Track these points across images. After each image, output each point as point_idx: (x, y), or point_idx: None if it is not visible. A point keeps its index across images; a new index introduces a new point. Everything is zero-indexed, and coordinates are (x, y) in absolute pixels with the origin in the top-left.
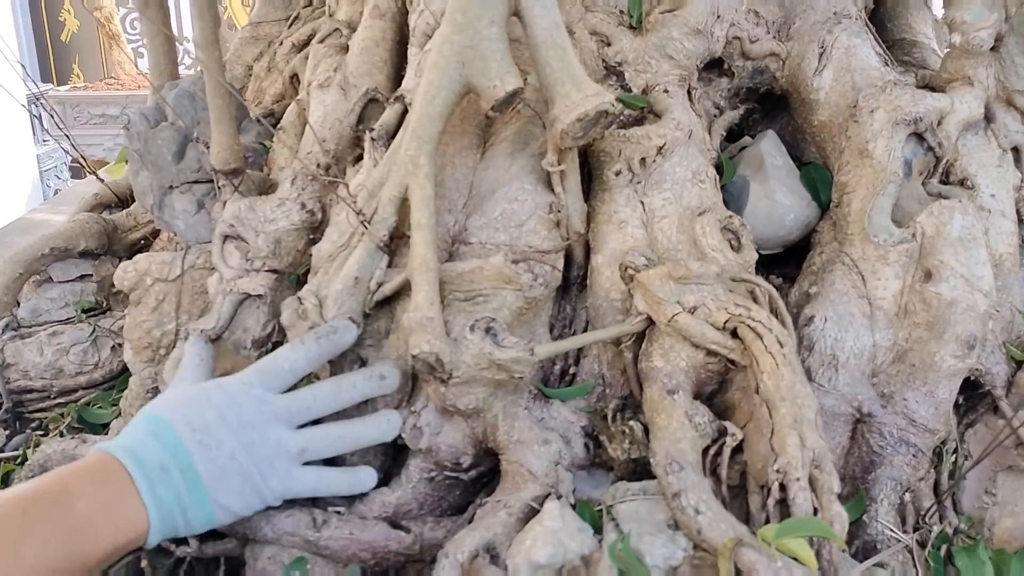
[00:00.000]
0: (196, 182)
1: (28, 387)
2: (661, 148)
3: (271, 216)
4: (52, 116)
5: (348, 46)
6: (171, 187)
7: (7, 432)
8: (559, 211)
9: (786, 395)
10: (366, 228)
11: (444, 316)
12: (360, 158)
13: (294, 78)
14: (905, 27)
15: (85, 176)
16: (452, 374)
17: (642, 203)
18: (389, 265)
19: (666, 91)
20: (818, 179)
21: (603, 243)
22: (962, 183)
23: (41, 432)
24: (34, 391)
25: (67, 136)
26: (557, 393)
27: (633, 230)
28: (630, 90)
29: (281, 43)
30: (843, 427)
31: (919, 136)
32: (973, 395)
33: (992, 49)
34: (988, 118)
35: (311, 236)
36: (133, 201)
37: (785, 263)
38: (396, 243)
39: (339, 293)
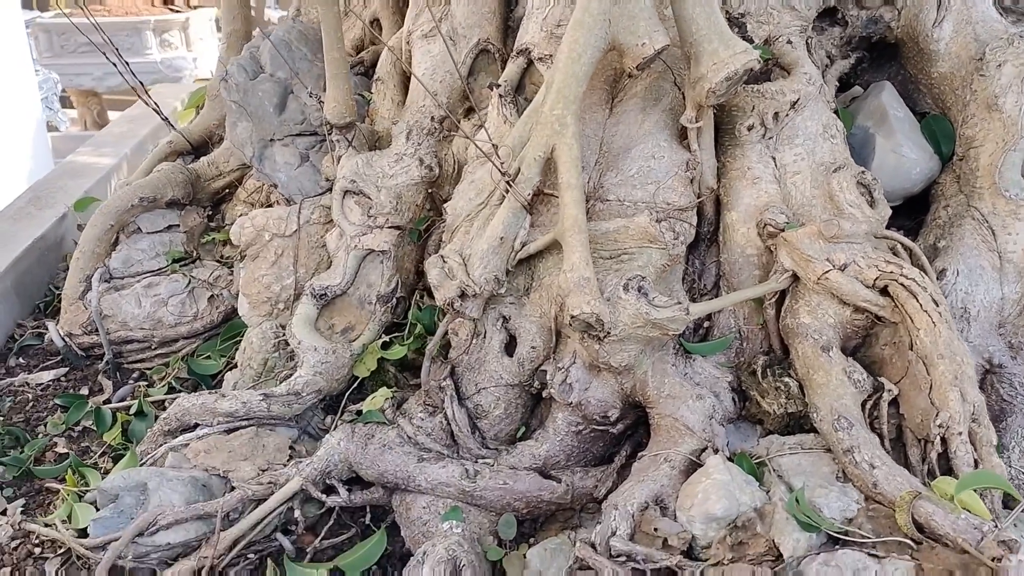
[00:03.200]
0: (299, 135)
1: (128, 338)
2: (795, 103)
3: (390, 172)
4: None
5: None
6: (272, 140)
7: (111, 382)
8: (695, 168)
9: (944, 352)
10: (511, 187)
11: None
12: (470, 111)
13: (375, 23)
14: None
15: (74, 107)
16: (610, 333)
17: (774, 158)
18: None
19: (789, 42)
20: (939, 131)
21: (736, 199)
22: None
23: (146, 383)
24: (134, 341)
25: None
26: (699, 348)
27: (767, 185)
28: (752, 40)
29: None
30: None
31: None
32: None
33: None
34: None
35: (428, 190)
36: (207, 149)
37: (902, 214)
38: (535, 200)
39: (484, 252)
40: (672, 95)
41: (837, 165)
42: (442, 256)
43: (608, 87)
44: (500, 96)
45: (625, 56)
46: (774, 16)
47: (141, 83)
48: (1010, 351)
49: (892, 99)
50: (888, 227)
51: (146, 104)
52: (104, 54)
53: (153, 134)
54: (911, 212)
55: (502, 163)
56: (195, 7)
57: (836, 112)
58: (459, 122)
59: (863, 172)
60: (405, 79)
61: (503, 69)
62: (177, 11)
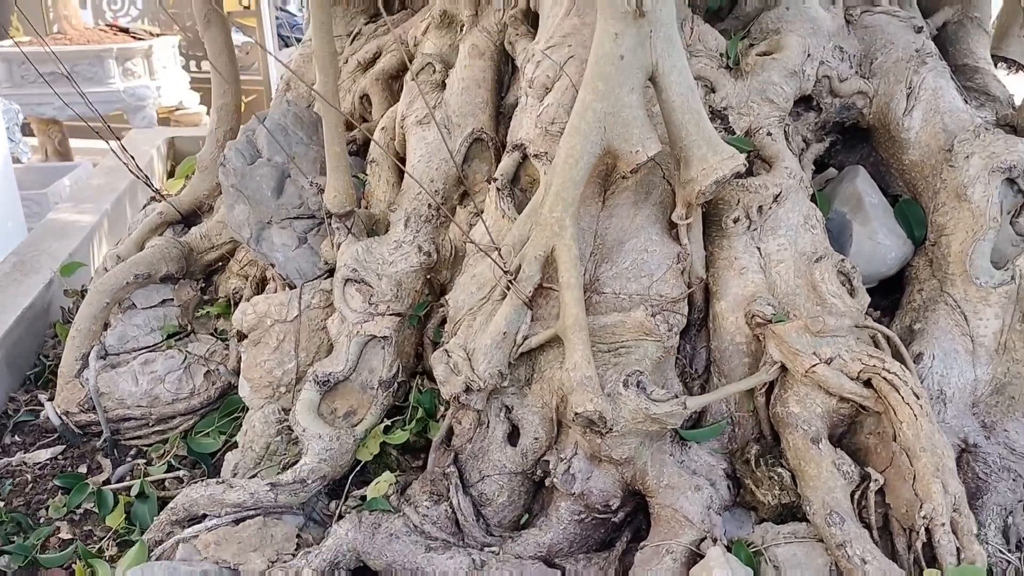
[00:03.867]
0: (297, 218)
1: (126, 416)
2: (777, 196)
3: (389, 259)
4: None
5: (444, 82)
6: (270, 222)
7: (109, 460)
8: (686, 259)
9: (926, 445)
10: (512, 285)
11: None
12: (465, 195)
13: (364, 98)
14: (966, 52)
15: (35, 135)
16: (612, 429)
17: (758, 248)
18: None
19: (769, 134)
20: (912, 216)
21: (725, 289)
22: None
23: (145, 461)
24: (132, 419)
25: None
26: (694, 435)
27: (753, 275)
28: (734, 132)
29: (346, 61)
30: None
31: (1010, 179)
32: None
33: None
34: None
35: (427, 276)
36: (196, 218)
37: (878, 293)
38: (535, 294)
39: (488, 347)
40: (662, 188)
41: (818, 255)
42: (447, 351)
43: (601, 181)
44: (498, 190)
45: (619, 161)
46: (754, 108)
47: (120, 141)
48: (984, 431)
49: (866, 185)
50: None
51: (126, 165)
52: (84, 89)
53: (132, 187)
54: (886, 291)
55: (504, 262)
56: (158, 35)
57: (814, 197)
58: (456, 208)
59: (843, 261)
60: (399, 160)
61: (496, 156)
62: (140, 39)
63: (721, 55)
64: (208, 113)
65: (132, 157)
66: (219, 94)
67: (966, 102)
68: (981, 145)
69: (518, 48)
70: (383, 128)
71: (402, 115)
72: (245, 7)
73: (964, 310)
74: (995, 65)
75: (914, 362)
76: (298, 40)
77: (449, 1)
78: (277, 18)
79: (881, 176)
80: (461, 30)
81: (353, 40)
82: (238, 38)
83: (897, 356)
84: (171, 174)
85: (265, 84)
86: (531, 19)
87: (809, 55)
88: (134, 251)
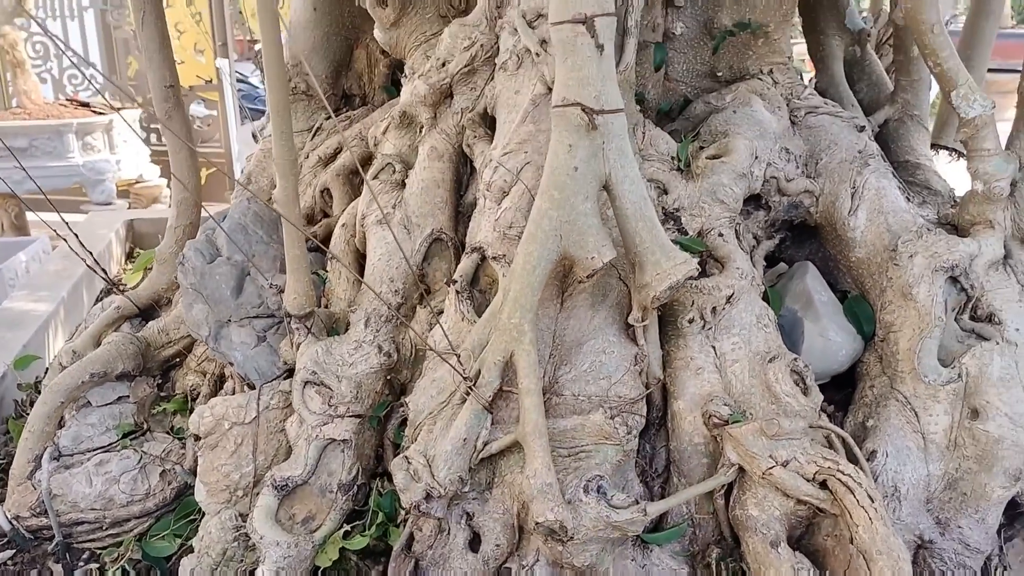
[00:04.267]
0: (256, 316)
1: (79, 519)
2: (730, 297)
3: (349, 360)
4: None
5: (403, 182)
6: (228, 321)
7: (60, 564)
8: (643, 360)
9: (882, 548)
10: (472, 391)
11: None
12: (427, 292)
13: (325, 192)
14: (908, 149)
15: None
16: (573, 537)
17: (713, 348)
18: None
19: (721, 235)
20: (860, 313)
21: (682, 389)
22: (989, 319)
23: (98, 567)
24: (85, 523)
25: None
26: (655, 538)
27: (709, 375)
28: (687, 232)
29: (307, 156)
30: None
31: (952, 278)
32: (1011, 513)
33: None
34: (1006, 255)
35: (387, 376)
36: (154, 311)
37: (830, 387)
38: (495, 398)
39: (448, 454)
40: (618, 289)
41: (772, 354)
42: (407, 457)
43: (559, 282)
44: (457, 292)
45: (576, 266)
46: (705, 209)
47: (76, 236)
48: (938, 527)
49: (816, 282)
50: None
51: (83, 260)
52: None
53: (89, 273)
54: (839, 386)
55: (464, 367)
56: (118, 109)
57: (766, 295)
58: (416, 307)
59: (795, 360)
60: (359, 257)
61: (455, 255)
62: (100, 113)
63: (673, 158)
64: (168, 186)
65: (84, 246)
66: (178, 188)
67: (908, 200)
68: (924, 245)
69: (476, 150)
70: (343, 225)
71: (362, 213)
72: (207, 81)
73: (914, 407)
74: (936, 152)
75: (868, 459)
76: (260, 112)
77: (409, 103)
78: (240, 90)
79: (830, 271)
80: (420, 131)
81: (314, 135)
82: (199, 110)
83: (851, 456)
84: (130, 256)
85: (227, 157)
86: (488, 122)
87: (757, 157)
88: (91, 346)
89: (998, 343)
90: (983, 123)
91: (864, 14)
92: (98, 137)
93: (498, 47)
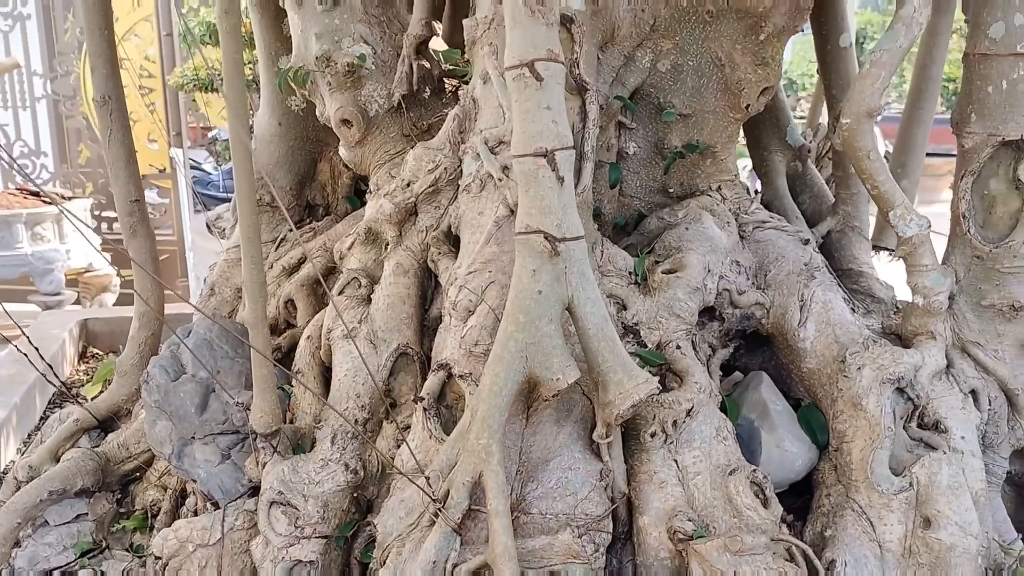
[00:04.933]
0: (221, 433)
1: None
2: (690, 411)
3: (316, 478)
4: None
5: (369, 297)
6: (193, 438)
7: None
8: (608, 476)
9: None
10: (441, 512)
11: None
12: (392, 407)
13: (289, 303)
14: (851, 258)
15: None
16: None
17: (676, 461)
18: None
19: (678, 347)
20: (814, 422)
21: (647, 503)
22: (935, 426)
23: None
24: None
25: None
26: None
27: (672, 488)
28: (646, 345)
29: (271, 266)
30: None
31: (899, 388)
32: None
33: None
34: (948, 364)
35: (354, 494)
36: (114, 423)
37: (789, 493)
38: (464, 517)
39: None
40: (582, 404)
41: (732, 467)
42: None
43: (524, 398)
44: (424, 410)
45: (541, 387)
46: (663, 323)
47: (29, 341)
48: None
49: (770, 392)
50: None
51: (35, 367)
52: None
53: (42, 377)
54: (798, 492)
55: (432, 488)
56: (69, 198)
57: (724, 405)
58: (382, 422)
59: (754, 471)
60: (325, 372)
61: (422, 370)
62: (50, 203)
63: (630, 273)
64: (118, 274)
65: (37, 350)
66: (141, 300)
67: (854, 310)
68: (871, 357)
69: (440, 266)
70: (309, 337)
71: (328, 327)
72: (160, 170)
73: (870, 516)
74: (878, 253)
75: (828, 569)
76: (213, 198)
77: (374, 220)
78: (193, 177)
79: (783, 379)
80: (386, 247)
81: (278, 246)
82: (152, 197)
83: (811, 568)
84: (83, 355)
85: (179, 245)
86: (452, 239)
87: (709, 270)
88: (48, 461)
89: (945, 452)
90: (920, 241)
91: (803, 130)
92: (48, 227)
93: (461, 169)
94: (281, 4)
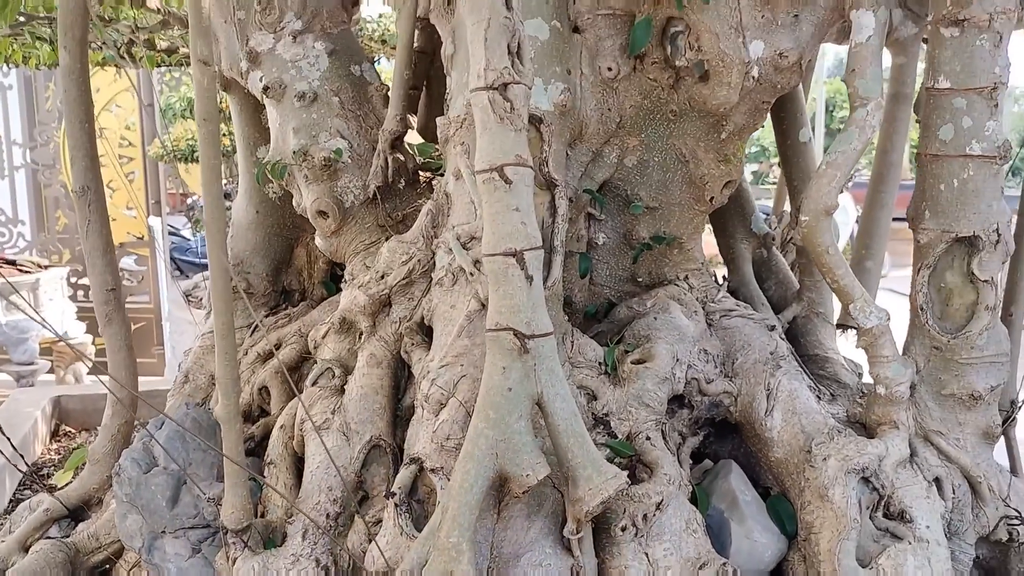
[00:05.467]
0: (192, 527)
1: None
2: (659, 504)
3: (287, 575)
4: None
5: (342, 388)
6: (163, 531)
7: None
8: (579, 571)
9: None
10: None
11: None
12: (364, 499)
13: (263, 390)
14: (816, 343)
15: None
16: None
17: (646, 555)
18: None
19: (648, 438)
20: (782, 512)
21: None
22: (901, 515)
23: None
24: None
25: None
26: None
27: None
28: (616, 436)
29: (245, 352)
30: None
31: (865, 478)
32: None
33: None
34: (912, 452)
35: None
36: (84, 512)
37: None
38: None
39: None
40: (553, 498)
41: (702, 560)
42: None
43: (495, 492)
44: (396, 506)
45: (511, 483)
46: (632, 413)
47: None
48: None
49: (739, 482)
50: None
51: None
52: None
53: (12, 458)
54: None
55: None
56: (46, 267)
57: (694, 494)
58: (355, 515)
59: (724, 564)
60: (298, 462)
61: (394, 461)
62: (27, 271)
63: (600, 363)
64: (93, 343)
65: (7, 436)
66: (116, 388)
67: (819, 399)
68: (836, 447)
69: (414, 357)
70: (282, 426)
71: (301, 418)
72: (138, 238)
73: None
74: (844, 331)
75: None
76: (191, 264)
77: (349, 311)
78: (172, 243)
79: (752, 468)
80: (360, 337)
81: (253, 331)
82: (129, 263)
83: None
84: (55, 434)
85: (155, 312)
86: (425, 330)
87: (678, 360)
88: (16, 552)
89: (911, 542)
90: (880, 332)
91: (768, 217)
92: (24, 296)
93: (434, 262)
94: (261, 99)
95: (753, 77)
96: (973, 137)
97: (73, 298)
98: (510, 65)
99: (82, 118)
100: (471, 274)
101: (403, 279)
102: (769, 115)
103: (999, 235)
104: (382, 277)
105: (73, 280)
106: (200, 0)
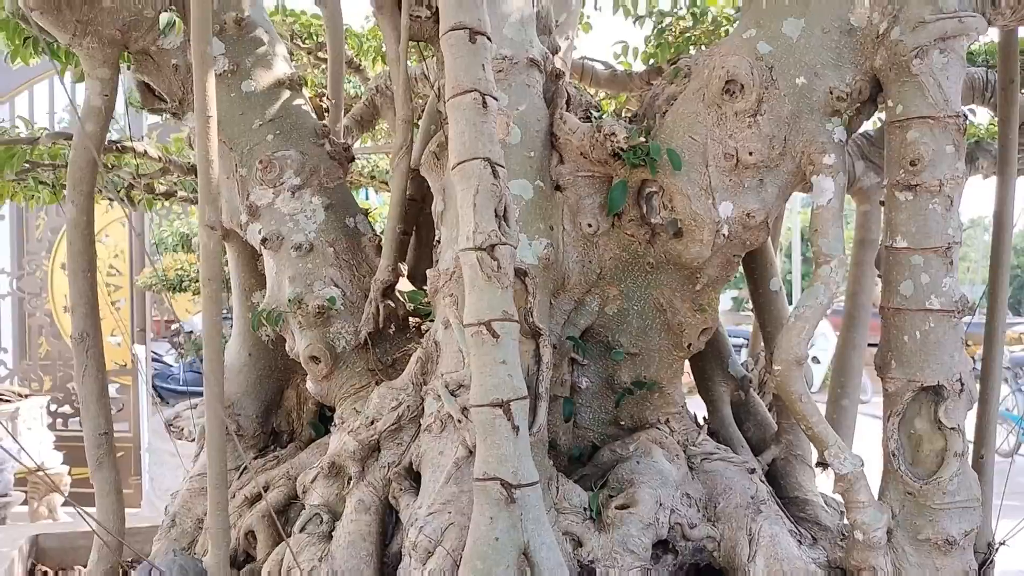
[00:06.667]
0: None
1: None
2: None
3: None
4: None
5: (330, 534)
6: None
7: None
8: None
9: None
10: None
11: None
12: None
13: (250, 534)
14: (796, 485)
15: None
16: None
17: None
18: None
19: None
20: None
21: None
22: None
23: None
24: None
25: None
26: None
27: None
28: None
29: (233, 495)
30: None
31: None
32: None
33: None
34: None
35: None
36: None
37: None
38: None
39: None
40: None
41: None
42: None
43: None
44: None
45: None
46: (618, 560)
47: None
48: None
49: None
50: None
51: None
52: None
53: None
54: None
55: None
56: (26, 396)
57: None
58: None
59: None
60: None
61: None
62: (7, 401)
63: (585, 508)
64: (69, 473)
65: None
66: (102, 533)
67: (800, 543)
68: None
69: (402, 503)
70: (268, 573)
71: (288, 566)
72: (121, 366)
73: None
74: (824, 469)
75: None
76: (172, 391)
77: (338, 455)
78: (155, 370)
79: None
80: (348, 481)
81: (241, 474)
82: (111, 391)
83: None
84: (31, 574)
85: (135, 441)
86: (413, 475)
87: (661, 504)
88: None
89: None
90: (855, 477)
91: (744, 360)
92: (3, 424)
93: (423, 408)
94: (258, 249)
95: (723, 235)
96: (932, 292)
97: (52, 427)
98: (497, 228)
99: (85, 268)
100: (459, 421)
101: (392, 424)
102: (741, 265)
103: (963, 384)
104: (371, 423)
105: (53, 408)
106: (210, 169)
